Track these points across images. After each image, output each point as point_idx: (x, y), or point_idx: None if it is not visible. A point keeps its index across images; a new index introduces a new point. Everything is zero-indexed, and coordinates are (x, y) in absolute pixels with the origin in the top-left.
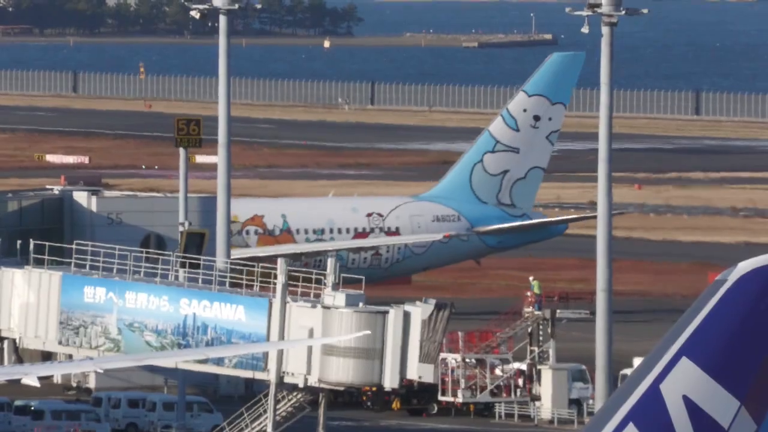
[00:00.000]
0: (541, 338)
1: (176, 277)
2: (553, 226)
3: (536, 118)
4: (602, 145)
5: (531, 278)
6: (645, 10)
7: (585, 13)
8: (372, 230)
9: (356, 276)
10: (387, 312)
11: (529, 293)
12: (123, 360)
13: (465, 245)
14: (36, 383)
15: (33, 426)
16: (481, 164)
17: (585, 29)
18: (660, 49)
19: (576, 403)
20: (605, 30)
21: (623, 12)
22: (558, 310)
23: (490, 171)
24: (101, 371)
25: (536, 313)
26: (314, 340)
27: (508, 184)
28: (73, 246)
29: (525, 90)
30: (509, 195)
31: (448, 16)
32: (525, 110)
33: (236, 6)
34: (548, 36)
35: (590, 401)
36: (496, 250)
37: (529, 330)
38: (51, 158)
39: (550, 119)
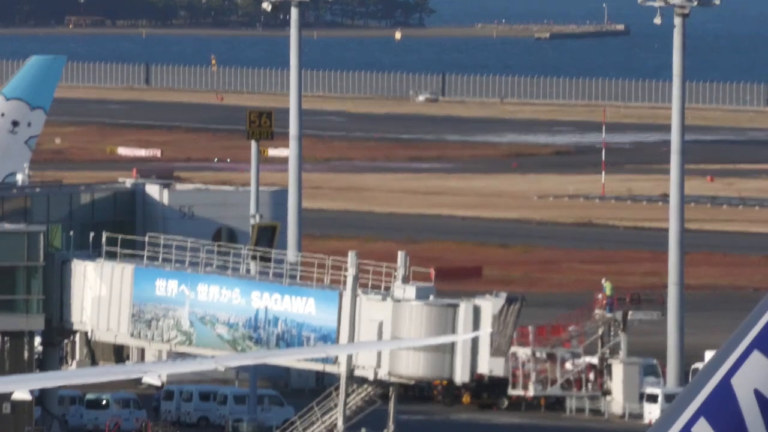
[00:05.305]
0: (611, 339)
1: (248, 270)
2: None
3: (15, 123)
4: (675, 137)
5: (603, 280)
6: (717, 1)
7: (657, 3)
8: None
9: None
10: (458, 305)
11: (600, 295)
12: (243, 358)
13: None
14: (157, 382)
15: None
16: None
17: (657, 20)
18: (729, 40)
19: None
20: (677, 21)
21: (695, 2)
22: (630, 312)
23: None
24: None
25: (607, 315)
26: (395, 343)
27: None
28: (146, 239)
29: (3, 93)
30: None
31: (520, 6)
32: (3, 114)
33: None
34: (620, 26)
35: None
36: None
37: (600, 331)
38: (123, 151)
39: (29, 124)
